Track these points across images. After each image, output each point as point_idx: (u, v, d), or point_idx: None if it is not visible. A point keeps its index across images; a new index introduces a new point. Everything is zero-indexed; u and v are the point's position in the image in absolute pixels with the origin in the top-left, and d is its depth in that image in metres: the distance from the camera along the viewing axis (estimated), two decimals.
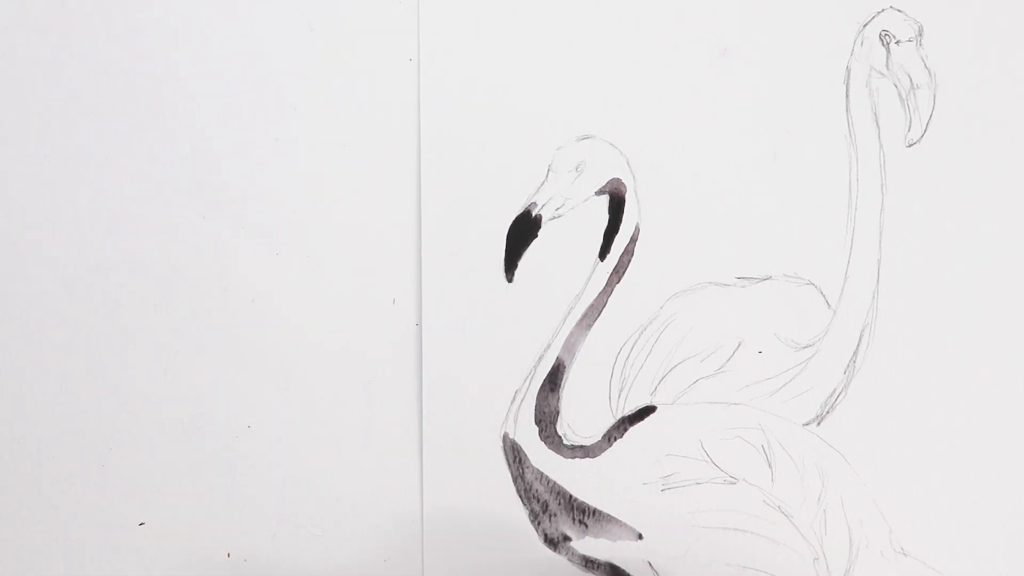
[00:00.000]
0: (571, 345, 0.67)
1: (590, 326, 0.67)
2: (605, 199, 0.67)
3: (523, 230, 0.67)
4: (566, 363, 0.67)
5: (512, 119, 0.67)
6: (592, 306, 0.67)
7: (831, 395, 0.68)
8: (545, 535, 0.68)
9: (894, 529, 0.67)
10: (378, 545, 0.68)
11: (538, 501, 0.67)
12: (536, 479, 0.67)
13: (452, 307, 0.67)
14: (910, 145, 0.67)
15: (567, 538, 0.68)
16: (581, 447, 0.67)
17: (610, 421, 0.67)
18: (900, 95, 0.67)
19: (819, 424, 0.68)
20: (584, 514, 0.67)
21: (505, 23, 0.67)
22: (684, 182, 0.67)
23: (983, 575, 0.68)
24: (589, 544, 0.67)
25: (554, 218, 0.67)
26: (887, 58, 0.67)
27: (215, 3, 0.67)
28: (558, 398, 0.67)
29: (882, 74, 0.67)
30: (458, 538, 0.68)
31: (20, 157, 0.66)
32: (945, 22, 0.67)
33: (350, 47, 0.67)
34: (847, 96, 0.67)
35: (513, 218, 0.67)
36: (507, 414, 0.67)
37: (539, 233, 0.67)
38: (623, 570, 0.67)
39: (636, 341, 0.67)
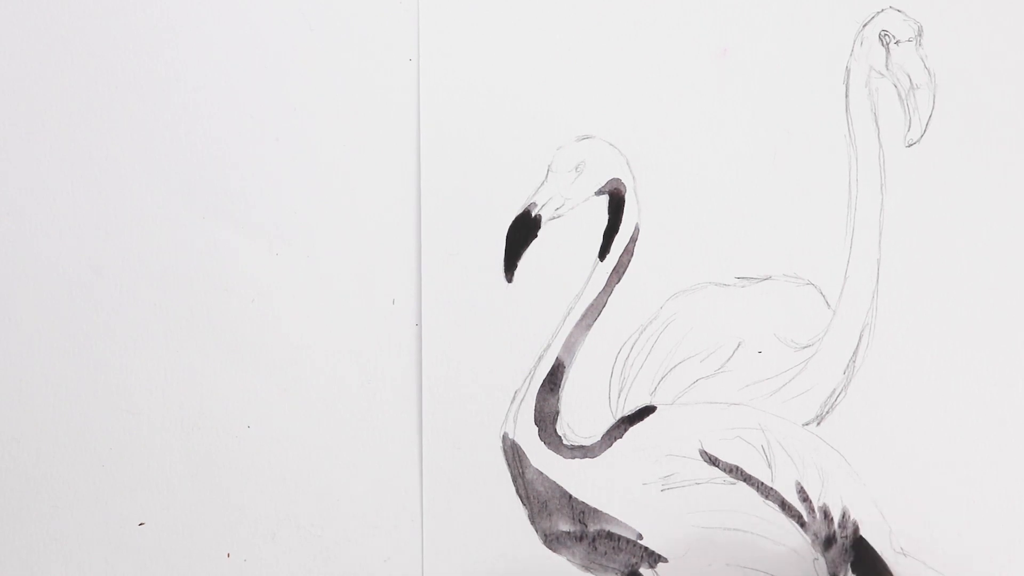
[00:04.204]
0: (571, 345, 0.67)
1: (590, 326, 0.67)
2: (605, 199, 0.67)
3: (523, 230, 0.67)
4: (566, 363, 0.67)
5: (512, 119, 0.67)
6: (592, 306, 0.67)
7: (831, 395, 0.68)
8: (545, 535, 0.68)
9: (894, 529, 0.67)
10: (378, 545, 0.68)
11: (538, 501, 0.67)
12: (536, 479, 0.67)
13: (452, 307, 0.67)
14: (910, 145, 0.68)
15: (568, 537, 0.68)
16: (581, 447, 0.67)
17: (610, 421, 0.67)
18: (900, 95, 0.67)
19: (819, 424, 0.68)
20: (584, 514, 0.67)
21: (505, 23, 0.67)
22: (684, 182, 0.67)
23: (983, 575, 0.68)
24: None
25: (554, 218, 0.67)
26: (887, 58, 0.67)
27: (215, 3, 0.67)
28: (558, 398, 0.67)
29: (882, 74, 0.67)
30: (458, 538, 0.68)
31: (20, 157, 0.66)
32: (945, 22, 0.67)
33: (350, 47, 0.67)
34: (847, 96, 0.67)
35: (513, 218, 0.67)
36: (507, 414, 0.67)
37: (539, 233, 0.67)
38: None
39: (636, 341, 0.67)
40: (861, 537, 0.67)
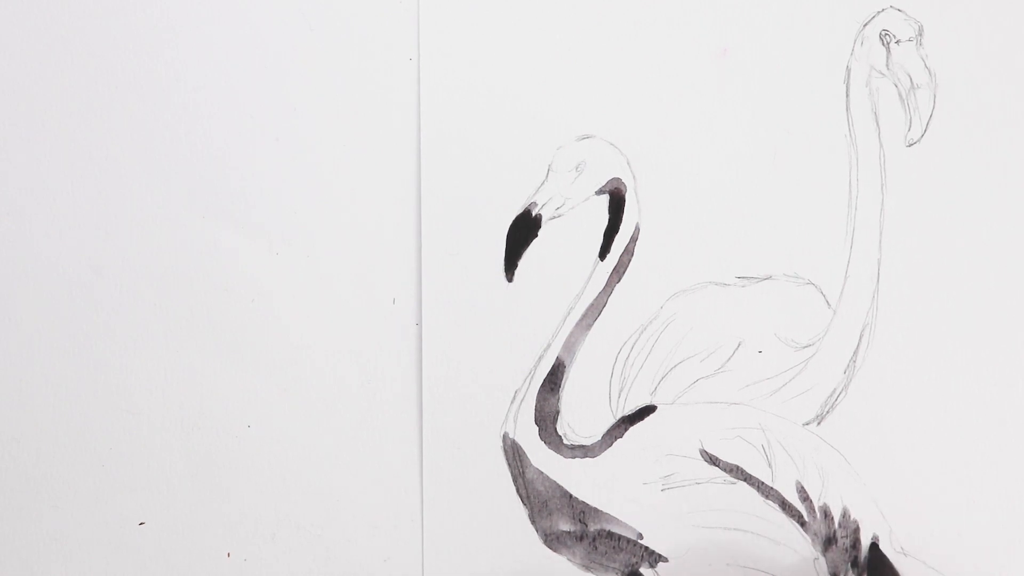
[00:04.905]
0: (571, 345, 0.67)
1: (590, 326, 0.67)
2: (605, 199, 0.67)
3: (523, 230, 0.67)
4: (566, 363, 0.67)
5: (512, 119, 0.67)
6: (592, 306, 0.67)
7: (831, 395, 0.68)
8: (545, 535, 0.68)
9: (894, 529, 0.67)
10: (378, 545, 0.68)
11: (538, 501, 0.67)
12: (536, 479, 0.67)
13: (452, 307, 0.67)
14: (910, 145, 0.68)
15: (569, 537, 0.68)
16: (581, 447, 0.67)
17: (610, 421, 0.67)
18: (900, 95, 0.67)
19: (819, 424, 0.68)
20: (584, 514, 0.67)
21: (505, 23, 0.67)
22: (684, 182, 0.67)
23: (983, 575, 0.68)
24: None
25: (554, 218, 0.67)
26: (887, 58, 0.67)
27: (215, 3, 0.67)
28: (558, 398, 0.67)
29: (882, 74, 0.67)
30: (458, 538, 0.68)
31: (20, 157, 0.66)
32: (945, 22, 0.67)
33: (350, 47, 0.67)
34: (847, 96, 0.67)
35: (513, 218, 0.67)
36: (507, 414, 0.67)
37: (539, 233, 0.67)
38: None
39: (636, 341, 0.67)
40: (876, 545, 0.67)
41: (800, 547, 0.67)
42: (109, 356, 0.67)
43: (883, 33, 0.67)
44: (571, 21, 0.67)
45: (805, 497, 0.67)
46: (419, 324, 0.67)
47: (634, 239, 0.67)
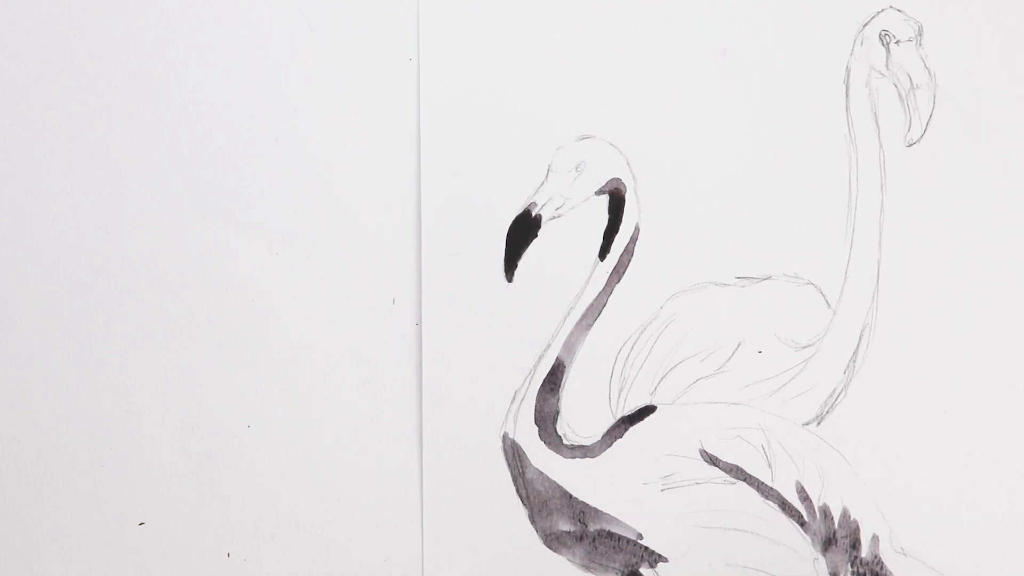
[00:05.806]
0: (571, 345, 0.67)
1: (590, 326, 0.67)
2: (605, 199, 0.67)
3: (523, 230, 0.67)
4: (566, 363, 0.67)
5: (512, 119, 0.67)
6: (592, 306, 0.67)
7: (831, 395, 0.68)
8: (545, 535, 0.68)
9: (894, 529, 0.67)
10: (378, 545, 0.68)
11: (538, 501, 0.67)
12: (536, 479, 0.67)
13: (452, 307, 0.67)
14: (910, 145, 0.68)
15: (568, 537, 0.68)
16: (581, 447, 0.67)
17: (610, 421, 0.67)
18: (900, 95, 0.67)
19: (819, 424, 0.68)
20: (584, 514, 0.67)
21: (505, 23, 0.67)
22: (684, 182, 0.67)
23: (983, 575, 0.68)
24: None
25: (554, 218, 0.67)
26: (887, 58, 0.67)
27: (215, 3, 0.67)
28: (558, 398, 0.67)
29: (882, 74, 0.67)
30: (458, 538, 0.68)
31: (20, 157, 0.66)
32: (945, 22, 0.67)
33: (350, 47, 0.67)
34: (847, 96, 0.67)
35: (513, 218, 0.67)
36: (507, 414, 0.67)
37: (539, 233, 0.67)
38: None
39: (636, 341, 0.67)
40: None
41: (800, 547, 0.67)
42: (109, 356, 0.67)
43: (883, 33, 0.67)
44: (571, 21, 0.67)
45: (805, 497, 0.67)
46: (419, 324, 0.67)
47: (634, 239, 0.67)
